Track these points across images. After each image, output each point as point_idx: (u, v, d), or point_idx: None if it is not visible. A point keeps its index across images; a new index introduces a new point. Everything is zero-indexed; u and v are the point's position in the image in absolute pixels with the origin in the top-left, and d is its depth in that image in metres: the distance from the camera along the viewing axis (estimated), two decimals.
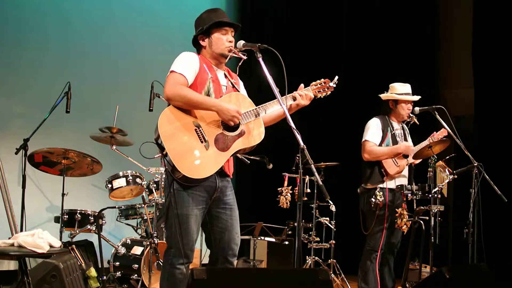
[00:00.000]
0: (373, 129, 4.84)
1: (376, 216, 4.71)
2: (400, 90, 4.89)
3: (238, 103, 3.30)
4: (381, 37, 7.51)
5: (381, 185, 4.75)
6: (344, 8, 7.75)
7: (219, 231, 3.31)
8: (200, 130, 3.17)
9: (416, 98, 4.91)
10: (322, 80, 3.48)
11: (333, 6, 7.76)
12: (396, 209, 4.98)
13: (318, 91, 3.46)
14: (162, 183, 5.31)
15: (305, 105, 3.38)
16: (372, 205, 4.73)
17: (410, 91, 4.92)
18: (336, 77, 3.48)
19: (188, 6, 7.23)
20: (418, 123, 4.94)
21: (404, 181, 4.90)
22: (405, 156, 4.85)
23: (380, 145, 4.82)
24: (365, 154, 4.81)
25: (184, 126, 3.14)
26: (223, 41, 3.34)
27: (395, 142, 4.86)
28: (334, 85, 3.48)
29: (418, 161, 4.97)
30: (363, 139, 4.84)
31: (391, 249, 4.86)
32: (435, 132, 4.95)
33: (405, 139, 4.97)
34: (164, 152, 3.10)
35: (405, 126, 5.07)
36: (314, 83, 3.48)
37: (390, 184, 4.81)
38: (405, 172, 4.94)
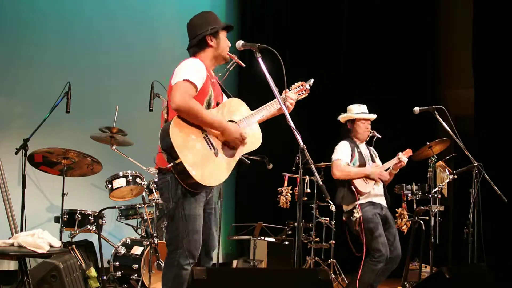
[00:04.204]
0: (342, 149, 4.95)
1: (362, 231, 4.74)
2: (356, 110, 5.02)
3: (235, 111, 3.34)
4: (381, 37, 7.51)
5: (356, 203, 4.79)
6: (344, 8, 7.75)
7: (205, 230, 3.32)
8: (208, 138, 3.20)
9: (373, 116, 5.01)
10: (300, 82, 3.59)
11: (333, 6, 7.76)
12: (397, 209, 5.00)
13: (299, 94, 3.57)
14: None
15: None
16: (353, 223, 4.79)
17: (366, 111, 5.03)
18: (311, 80, 3.57)
19: (188, 6, 7.23)
20: (380, 136, 5.01)
21: (381, 199, 4.95)
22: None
23: (349, 164, 4.89)
24: (336, 171, 4.88)
25: (195, 135, 3.16)
26: (226, 44, 3.41)
27: (362, 160, 4.94)
28: (309, 87, 3.61)
29: (383, 178, 4.95)
30: (334, 159, 4.94)
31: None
32: (400, 152, 4.94)
33: (372, 160, 5.03)
34: (177, 161, 3.07)
35: (371, 148, 5.14)
36: (294, 86, 3.56)
37: (365, 200, 4.86)
38: (380, 190, 4.97)
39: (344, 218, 4.96)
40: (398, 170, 4.94)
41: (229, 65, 3.56)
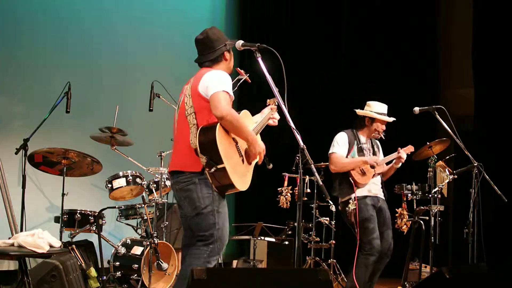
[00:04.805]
0: (339, 142, 4.95)
1: (358, 224, 4.75)
2: (379, 109, 4.96)
3: (248, 121, 3.54)
4: (381, 37, 7.51)
5: (352, 195, 4.80)
6: (344, 8, 7.75)
7: None
8: (237, 146, 3.38)
9: (391, 119, 4.97)
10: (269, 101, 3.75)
11: (333, 6, 7.76)
12: (397, 209, 5.00)
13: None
14: (162, 183, 5.32)
15: None
16: (347, 215, 4.80)
17: (386, 111, 4.99)
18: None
19: (188, 6, 7.23)
20: (384, 138, 5.03)
21: (378, 192, 4.94)
22: (372, 167, 4.87)
23: (346, 157, 4.90)
24: (331, 165, 4.93)
25: (231, 143, 3.34)
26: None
27: (361, 154, 4.93)
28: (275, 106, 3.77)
29: (380, 171, 4.96)
30: (330, 152, 4.95)
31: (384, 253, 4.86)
32: (399, 148, 4.93)
33: (374, 153, 5.01)
34: (220, 166, 3.18)
35: (376, 141, 5.12)
36: (271, 103, 3.72)
37: (362, 192, 4.85)
38: (378, 183, 4.96)
39: (339, 208, 4.97)
40: (399, 165, 4.93)
41: (239, 82, 3.67)
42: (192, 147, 3.26)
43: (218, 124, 3.22)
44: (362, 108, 5.02)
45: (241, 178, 3.34)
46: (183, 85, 3.55)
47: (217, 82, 3.27)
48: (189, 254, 3.34)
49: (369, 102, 5.01)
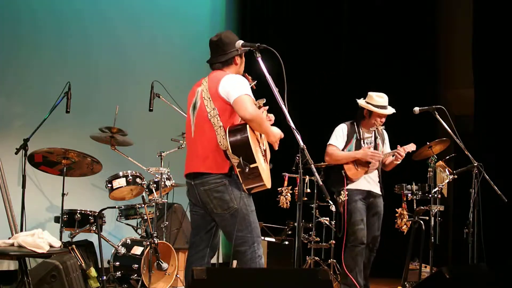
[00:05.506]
0: (337, 134, 5.00)
1: (345, 214, 4.80)
2: (377, 101, 4.92)
3: None
4: (381, 37, 7.51)
5: (344, 187, 4.84)
6: (344, 8, 7.76)
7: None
8: (260, 146, 3.48)
9: (390, 112, 4.94)
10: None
11: (333, 6, 7.76)
12: (397, 209, 5.00)
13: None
14: (162, 183, 5.32)
15: None
16: (338, 204, 4.85)
17: (386, 103, 4.94)
18: (264, 100, 3.64)
19: (188, 6, 7.23)
20: (379, 131, 5.04)
21: (373, 186, 4.95)
22: (369, 162, 4.87)
23: (343, 150, 4.93)
24: (326, 157, 5.01)
25: (257, 143, 3.42)
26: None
27: (358, 148, 4.92)
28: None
29: (375, 167, 4.96)
30: (328, 143, 5.01)
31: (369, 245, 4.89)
32: (398, 146, 4.92)
33: (375, 146, 4.99)
34: (253, 165, 3.26)
35: (384, 133, 5.10)
36: (260, 104, 3.71)
37: (354, 185, 4.89)
38: (374, 178, 4.97)
39: (335, 196, 5.00)
40: (399, 161, 4.93)
41: None
42: (221, 148, 3.31)
43: (247, 124, 3.31)
44: (365, 98, 5.02)
45: (267, 176, 3.44)
46: (194, 87, 3.56)
47: (239, 87, 3.35)
48: (243, 262, 3.39)
49: (370, 93, 4.99)
